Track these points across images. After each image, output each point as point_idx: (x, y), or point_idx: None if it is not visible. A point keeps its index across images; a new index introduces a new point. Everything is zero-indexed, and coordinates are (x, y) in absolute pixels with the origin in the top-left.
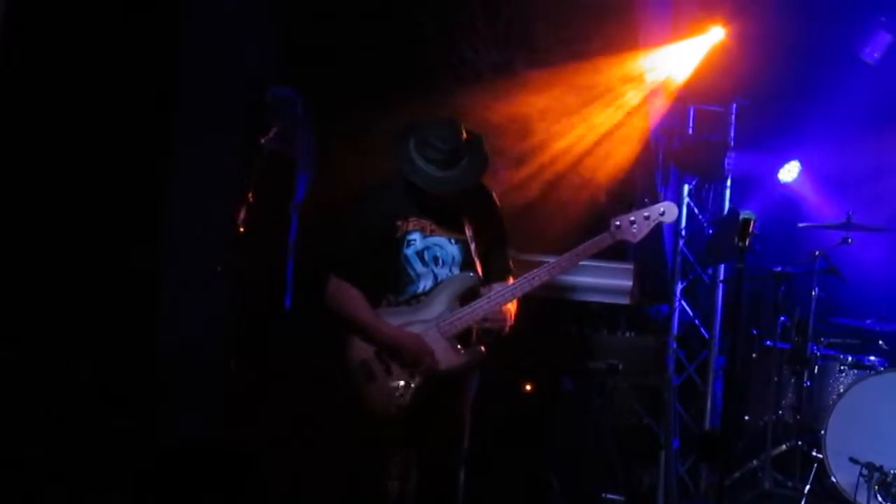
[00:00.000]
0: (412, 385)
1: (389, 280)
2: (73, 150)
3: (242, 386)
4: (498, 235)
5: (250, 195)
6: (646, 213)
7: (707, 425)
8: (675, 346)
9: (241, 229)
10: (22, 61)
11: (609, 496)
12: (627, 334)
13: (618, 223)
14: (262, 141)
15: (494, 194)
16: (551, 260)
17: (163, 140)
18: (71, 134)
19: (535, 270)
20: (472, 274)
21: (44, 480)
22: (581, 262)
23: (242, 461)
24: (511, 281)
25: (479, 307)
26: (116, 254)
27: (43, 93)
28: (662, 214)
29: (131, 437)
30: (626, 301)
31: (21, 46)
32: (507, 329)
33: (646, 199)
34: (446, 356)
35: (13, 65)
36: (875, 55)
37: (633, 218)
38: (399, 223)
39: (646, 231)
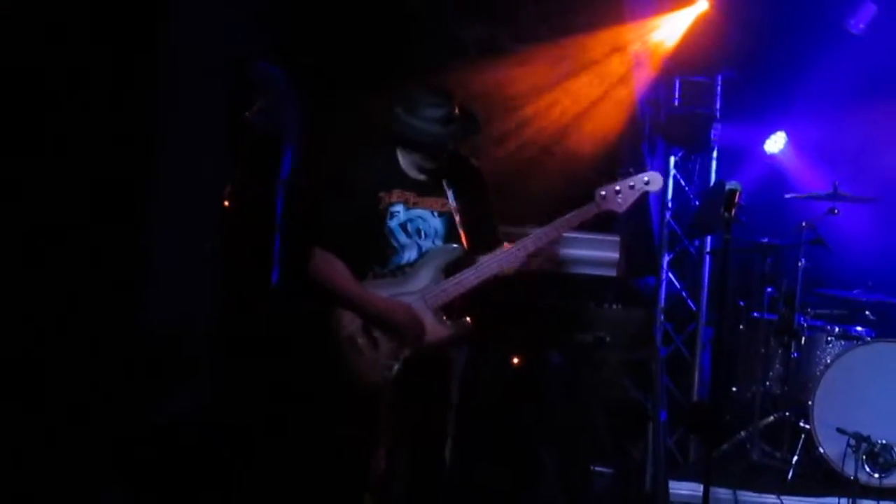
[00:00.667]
0: (398, 358)
1: (374, 252)
2: (55, 128)
3: (231, 363)
4: (484, 207)
5: (236, 171)
6: (631, 183)
7: (695, 397)
8: (662, 318)
9: (227, 204)
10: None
11: (598, 469)
12: (614, 307)
13: (603, 193)
14: (247, 116)
15: (479, 167)
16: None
17: (146, 117)
18: (52, 112)
19: (522, 240)
20: (455, 246)
21: (31, 462)
22: (567, 235)
23: (233, 438)
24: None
25: (464, 278)
26: (101, 232)
27: (21, 69)
28: (647, 183)
29: (121, 417)
30: (612, 273)
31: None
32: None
33: (630, 170)
34: (432, 328)
35: None
36: (861, 26)
37: (618, 188)
38: (382, 195)
39: (631, 200)
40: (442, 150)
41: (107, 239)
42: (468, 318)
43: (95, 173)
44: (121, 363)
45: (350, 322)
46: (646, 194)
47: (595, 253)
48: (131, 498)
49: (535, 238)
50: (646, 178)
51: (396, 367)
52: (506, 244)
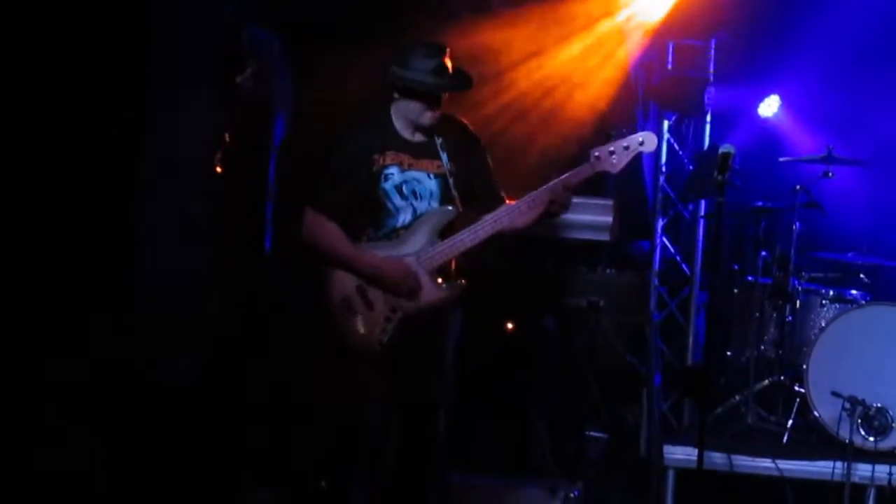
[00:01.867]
0: (394, 319)
1: (368, 214)
2: (44, 98)
3: (226, 329)
4: (482, 168)
5: (227, 136)
6: (625, 144)
7: (689, 362)
8: (656, 282)
9: (219, 170)
10: None
11: (592, 434)
12: (608, 271)
13: (597, 154)
14: (238, 80)
15: (472, 129)
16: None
17: (137, 82)
18: (42, 83)
19: (517, 202)
20: (450, 208)
21: (28, 435)
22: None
23: (229, 405)
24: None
25: (459, 240)
26: (93, 201)
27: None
28: (642, 144)
29: (116, 387)
30: (606, 237)
31: None
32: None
33: (623, 130)
34: (428, 290)
35: None
36: None
37: (612, 148)
38: (376, 157)
39: (625, 161)
40: (437, 100)
41: (97, 208)
42: (463, 280)
43: (85, 142)
44: (115, 330)
45: (345, 284)
46: (639, 157)
47: (589, 217)
48: (133, 464)
49: (528, 199)
50: (640, 139)
51: (392, 327)
52: (508, 201)
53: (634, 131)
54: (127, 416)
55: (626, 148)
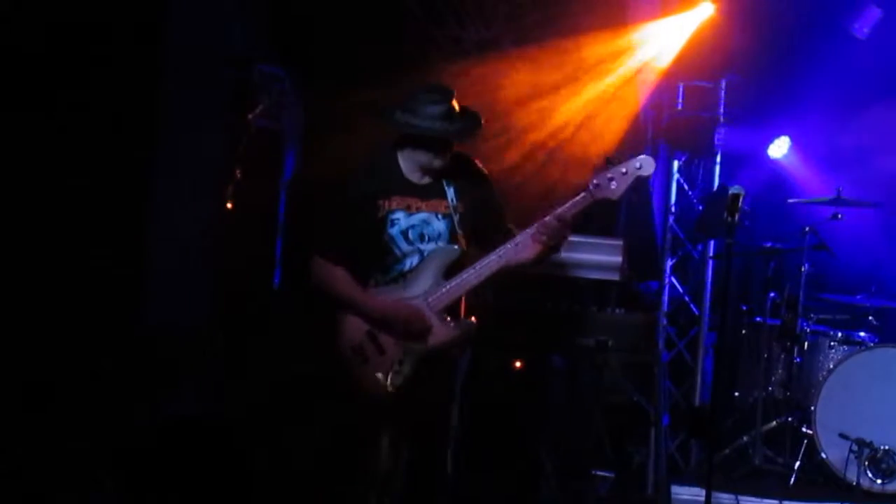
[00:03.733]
0: (406, 362)
1: (375, 260)
2: (57, 128)
3: (231, 364)
4: (490, 202)
5: (238, 172)
6: (623, 169)
7: (697, 402)
8: (664, 322)
9: (229, 206)
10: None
11: (599, 473)
12: (617, 311)
13: (596, 182)
14: (249, 117)
15: (481, 165)
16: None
17: (149, 118)
18: (54, 111)
19: (519, 235)
20: (455, 247)
21: (30, 463)
22: (570, 238)
23: (233, 438)
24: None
25: (465, 278)
26: (103, 232)
27: (23, 69)
28: (639, 168)
29: (120, 417)
30: (615, 277)
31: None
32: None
33: (619, 157)
34: (437, 330)
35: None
36: (865, 30)
37: (610, 175)
38: (381, 202)
39: (625, 186)
40: (445, 146)
41: (107, 240)
42: (472, 318)
43: (97, 174)
44: (120, 364)
45: (356, 330)
46: (649, 197)
47: (598, 257)
48: (131, 498)
49: (529, 232)
50: (637, 164)
51: (404, 371)
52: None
53: (634, 156)
54: (131, 449)
55: (625, 173)
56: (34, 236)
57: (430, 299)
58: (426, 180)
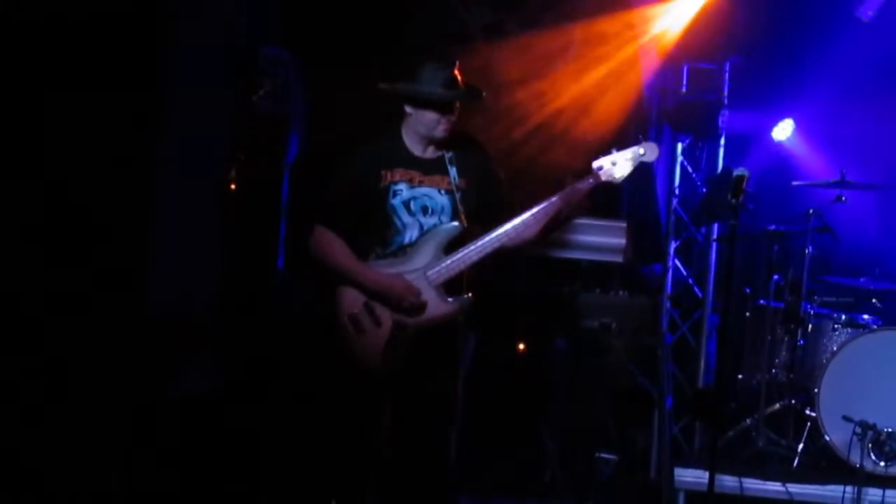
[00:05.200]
0: (402, 336)
1: (376, 231)
2: (61, 107)
3: (237, 344)
4: (492, 182)
5: (242, 154)
6: (626, 154)
7: (701, 384)
8: (668, 305)
9: (233, 187)
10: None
11: (603, 455)
12: (621, 293)
13: (599, 165)
14: (253, 99)
15: (483, 144)
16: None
17: (153, 101)
18: (58, 92)
19: (524, 214)
20: (456, 224)
21: (38, 443)
22: (575, 221)
23: (239, 418)
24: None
25: (466, 254)
26: (108, 213)
27: (31, 48)
28: (643, 154)
29: (128, 397)
30: (619, 260)
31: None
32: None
33: (625, 141)
34: (435, 304)
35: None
36: (870, 13)
37: (614, 159)
38: (384, 173)
39: (627, 171)
40: (449, 111)
41: (110, 223)
42: (471, 294)
43: (101, 156)
44: (125, 346)
45: (353, 301)
46: (653, 179)
47: (602, 239)
48: (142, 475)
49: (533, 212)
50: (641, 149)
51: (401, 345)
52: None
53: (639, 142)
54: (137, 429)
55: (628, 158)
56: (35, 217)
57: (428, 273)
58: (430, 154)
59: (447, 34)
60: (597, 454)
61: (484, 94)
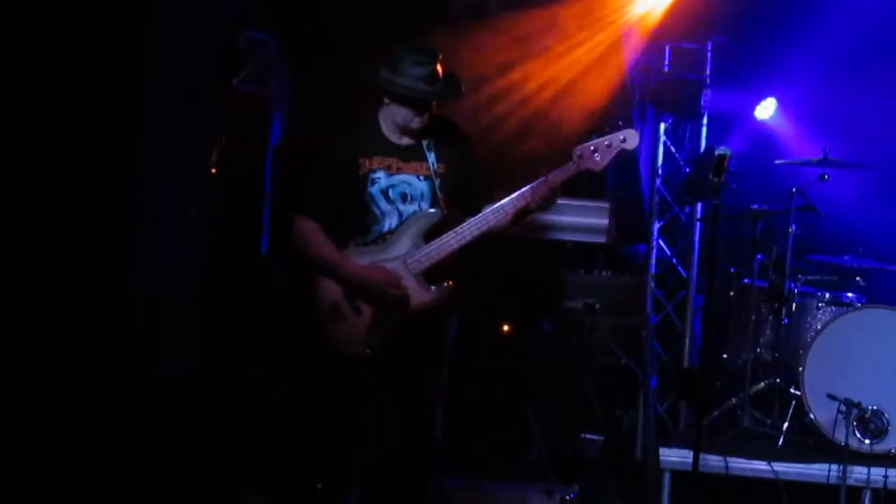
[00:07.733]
0: (384, 323)
1: (355, 220)
2: (39, 91)
3: (219, 328)
4: (470, 167)
5: (223, 137)
6: (607, 141)
7: (686, 364)
8: (652, 285)
9: (214, 171)
10: None
11: (588, 436)
12: (605, 273)
13: (579, 153)
14: (235, 82)
15: (463, 129)
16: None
17: (133, 83)
18: (37, 75)
19: (504, 200)
20: (434, 210)
21: (22, 427)
22: (558, 201)
23: (221, 403)
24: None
25: (446, 242)
26: (88, 197)
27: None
28: (624, 141)
29: (110, 382)
30: (602, 240)
31: None
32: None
33: (606, 128)
34: (416, 293)
35: None
36: None
37: (594, 147)
38: (363, 161)
39: (608, 158)
40: (425, 107)
41: (92, 205)
42: (451, 282)
43: (80, 140)
44: (108, 329)
45: (333, 289)
46: (636, 160)
47: (585, 220)
48: (124, 460)
49: (514, 199)
50: (622, 136)
51: (381, 333)
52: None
53: (620, 129)
54: (117, 415)
55: (609, 145)
56: (20, 205)
57: (408, 261)
58: (406, 141)
59: (431, 16)
60: (582, 434)
61: (464, 89)
